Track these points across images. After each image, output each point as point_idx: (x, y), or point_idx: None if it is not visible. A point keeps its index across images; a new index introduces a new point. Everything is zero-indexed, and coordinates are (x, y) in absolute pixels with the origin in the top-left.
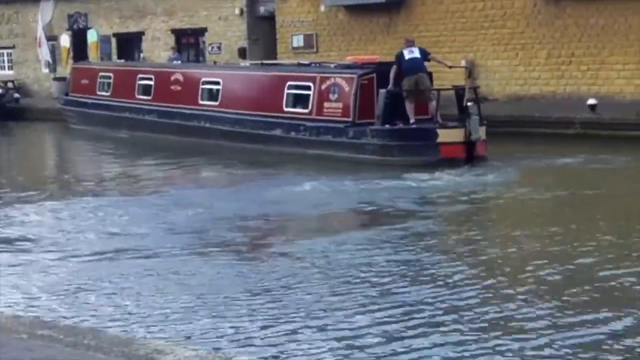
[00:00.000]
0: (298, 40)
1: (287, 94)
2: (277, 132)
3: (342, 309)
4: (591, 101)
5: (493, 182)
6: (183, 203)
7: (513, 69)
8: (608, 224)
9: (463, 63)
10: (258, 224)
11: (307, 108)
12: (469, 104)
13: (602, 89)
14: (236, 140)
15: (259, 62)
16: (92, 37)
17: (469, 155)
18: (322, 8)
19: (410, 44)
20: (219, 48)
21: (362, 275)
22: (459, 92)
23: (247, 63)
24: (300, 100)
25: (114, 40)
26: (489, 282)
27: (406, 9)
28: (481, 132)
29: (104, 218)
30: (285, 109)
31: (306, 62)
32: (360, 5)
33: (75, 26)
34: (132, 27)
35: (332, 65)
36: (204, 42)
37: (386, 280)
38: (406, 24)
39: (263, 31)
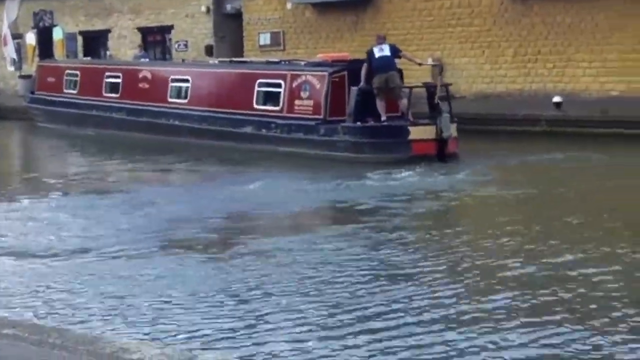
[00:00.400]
0: (265, 38)
1: (258, 91)
2: (248, 129)
3: (311, 309)
4: (557, 99)
5: (463, 180)
6: (148, 201)
7: (480, 66)
8: (578, 221)
9: (430, 61)
10: (222, 223)
11: (277, 105)
12: (438, 101)
13: (568, 87)
14: (206, 137)
15: (227, 59)
16: (57, 35)
17: (440, 153)
18: (289, 6)
19: (381, 40)
20: (186, 46)
21: (333, 274)
22: (430, 89)
23: (215, 61)
24: (270, 98)
25: (80, 38)
26: (460, 279)
27: (373, 7)
28: (452, 130)
29: (68, 217)
30: (256, 107)
31: (276, 59)
32: (327, 3)
33: (40, 24)
34: (98, 25)
35: (302, 63)
36: (170, 39)
37: (357, 279)
38: (373, 22)
39: (230, 29)
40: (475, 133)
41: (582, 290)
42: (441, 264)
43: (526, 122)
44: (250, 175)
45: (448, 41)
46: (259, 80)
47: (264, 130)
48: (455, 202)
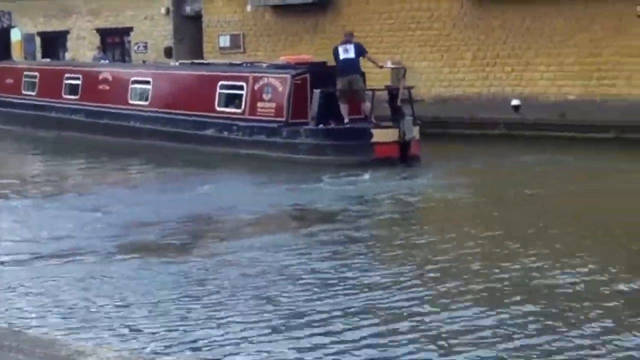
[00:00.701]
0: (225, 41)
1: (220, 93)
2: (210, 131)
3: (267, 312)
4: (515, 102)
5: (425, 184)
6: (104, 204)
7: (439, 70)
8: (542, 224)
9: (389, 64)
10: (179, 226)
11: (239, 108)
12: (400, 104)
13: (526, 90)
14: (167, 140)
15: (189, 61)
16: (15, 36)
17: (403, 155)
18: (249, 8)
19: (348, 37)
20: (145, 47)
21: (289, 278)
22: (393, 92)
23: (177, 62)
24: (232, 100)
25: (38, 39)
26: (421, 284)
27: (333, 10)
28: (415, 132)
29: (22, 219)
30: (218, 109)
31: (238, 62)
32: (286, 6)
33: None
34: (56, 26)
35: (264, 65)
36: (129, 41)
37: (313, 282)
38: (333, 25)
39: (189, 31)
40: (434, 136)
41: (546, 293)
42: (401, 268)
43: (484, 126)
44: (209, 178)
45: (407, 44)
46: (221, 83)
47: (225, 133)
48: (417, 206)
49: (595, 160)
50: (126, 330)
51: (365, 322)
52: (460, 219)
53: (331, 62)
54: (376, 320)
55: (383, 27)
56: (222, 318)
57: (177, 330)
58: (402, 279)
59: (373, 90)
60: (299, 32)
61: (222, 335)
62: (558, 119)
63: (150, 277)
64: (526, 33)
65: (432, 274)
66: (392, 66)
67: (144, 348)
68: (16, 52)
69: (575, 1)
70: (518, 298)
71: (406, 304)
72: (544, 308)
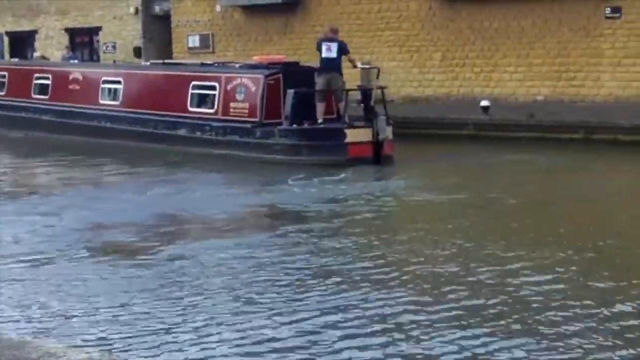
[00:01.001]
0: (194, 40)
1: (192, 93)
2: (182, 131)
3: (245, 313)
4: (484, 103)
5: (395, 185)
6: (70, 205)
7: (408, 70)
8: (517, 225)
9: (359, 65)
10: (148, 227)
11: (212, 108)
12: (374, 104)
13: (495, 91)
14: (138, 140)
15: (160, 61)
16: None
17: (376, 155)
18: (218, 8)
19: (331, 35)
20: (114, 47)
21: (260, 278)
22: (366, 92)
23: (147, 62)
24: (205, 100)
25: (6, 39)
26: (393, 285)
27: (302, 10)
28: (388, 132)
29: None
30: (190, 109)
31: (210, 62)
32: (256, 6)
33: None
34: (25, 26)
35: (236, 66)
36: (98, 41)
37: (285, 282)
38: (303, 25)
39: (158, 30)
40: (404, 136)
41: (520, 296)
42: (373, 270)
43: (453, 126)
44: (181, 178)
45: (377, 45)
46: (193, 83)
47: (198, 133)
48: (390, 206)
49: (565, 161)
50: (96, 332)
51: (336, 321)
52: (435, 220)
53: (304, 62)
54: (351, 320)
55: (352, 28)
56: (194, 319)
57: (146, 331)
58: (375, 277)
59: (346, 90)
60: (269, 32)
61: (190, 336)
62: (527, 120)
63: (120, 279)
64: (495, 34)
65: (405, 276)
66: (366, 66)
67: (114, 350)
68: None
69: (544, 3)
70: (494, 302)
71: (379, 303)
72: (520, 313)
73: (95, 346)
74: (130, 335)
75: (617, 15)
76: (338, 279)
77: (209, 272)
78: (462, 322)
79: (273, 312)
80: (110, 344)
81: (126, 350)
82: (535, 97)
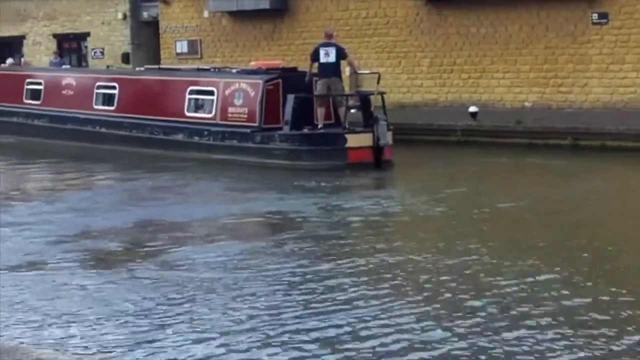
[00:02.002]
0: (182, 46)
1: (189, 99)
2: (179, 137)
3: (245, 318)
4: (473, 109)
5: (394, 192)
6: (67, 209)
7: (396, 76)
8: (521, 236)
9: (347, 71)
10: (141, 233)
11: (210, 113)
12: (353, 110)
13: (483, 97)
14: (133, 145)
15: (155, 66)
16: None
17: (377, 160)
18: (206, 14)
19: (328, 38)
20: (102, 53)
21: (254, 285)
22: (365, 97)
23: (142, 68)
24: (203, 105)
25: None
26: (390, 294)
27: (290, 16)
28: (389, 137)
29: None
30: (187, 114)
31: (207, 67)
32: (244, 12)
33: None
34: (12, 31)
35: (233, 71)
36: (86, 47)
37: (288, 288)
38: (290, 31)
39: (146, 36)
40: (394, 142)
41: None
42: (371, 278)
43: (441, 132)
44: (176, 184)
45: (365, 51)
46: (190, 88)
47: (196, 138)
48: (390, 212)
49: (553, 166)
50: (84, 338)
51: (327, 330)
52: (435, 228)
53: (301, 67)
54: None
55: (340, 34)
56: (178, 326)
57: (135, 337)
58: (372, 283)
59: (346, 95)
60: (257, 38)
61: (179, 343)
62: (514, 125)
63: (109, 285)
64: (482, 40)
65: (407, 286)
66: (367, 72)
67: (104, 355)
68: None
69: (531, 9)
70: (486, 307)
71: (385, 314)
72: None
73: (89, 354)
74: (118, 341)
75: (604, 21)
76: (337, 291)
77: (204, 280)
78: (484, 332)
79: (271, 327)
80: (97, 350)
81: (116, 356)
82: (523, 103)
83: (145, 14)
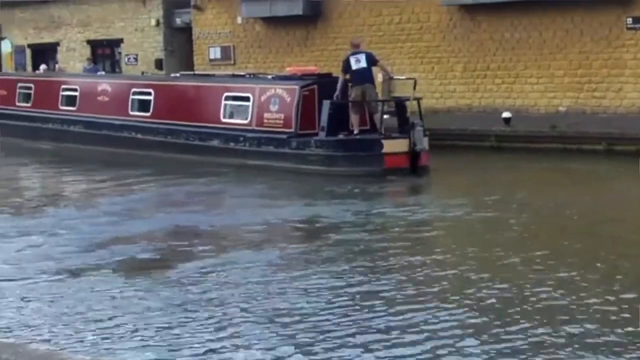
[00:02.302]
0: (215, 52)
1: (225, 104)
2: (215, 142)
3: (279, 331)
4: (506, 114)
5: (431, 198)
6: (96, 215)
7: (429, 82)
8: (565, 244)
9: (380, 77)
10: (177, 239)
11: (246, 119)
12: (387, 115)
13: (517, 102)
14: (170, 151)
15: (191, 72)
16: (6, 47)
17: (413, 166)
18: (239, 20)
19: (356, 48)
20: (136, 59)
21: (297, 292)
22: (401, 103)
23: (178, 74)
24: (238, 111)
25: (28, 51)
26: (418, 300)
27: (323, 22)
28: (425, 143)
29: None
30: (223, 120)
31: (242, 73)
32: (277, 18)
33: None
34: (46, 38)
35: (269, 77)
36: (119, 53)
37: (322, 299)
38: (323, 37)
39: (179, 42)
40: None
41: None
42: (414, 289)
43: (475, 137)
44: (213, 190)
45: (398, 56)
46: (226, 94)
47: (232, 144)
48: (430, 220)
49: (588, 172)
50: (120, 346)
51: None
52: (475, 236)
53: (334, 73)
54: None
55: (373, 39)
56: (217, 338)
57: (166, 344)
58: (405, 294)
59: (382, 100)
60: (290, 44)
61: (216, 351)
62: (548, 131)
63: (144, 293)
64: (516, 45)
65: (449, 293)
66: (403, 77)
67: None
68: (7, 64)
69: (565, 13)
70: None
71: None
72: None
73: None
74: (151, 349)
75: (639, 25)
76: (374, 299)
77: (238, 286)
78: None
79: (306, 335)
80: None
81: None
82: (557, 108)
83: (178, 20)
